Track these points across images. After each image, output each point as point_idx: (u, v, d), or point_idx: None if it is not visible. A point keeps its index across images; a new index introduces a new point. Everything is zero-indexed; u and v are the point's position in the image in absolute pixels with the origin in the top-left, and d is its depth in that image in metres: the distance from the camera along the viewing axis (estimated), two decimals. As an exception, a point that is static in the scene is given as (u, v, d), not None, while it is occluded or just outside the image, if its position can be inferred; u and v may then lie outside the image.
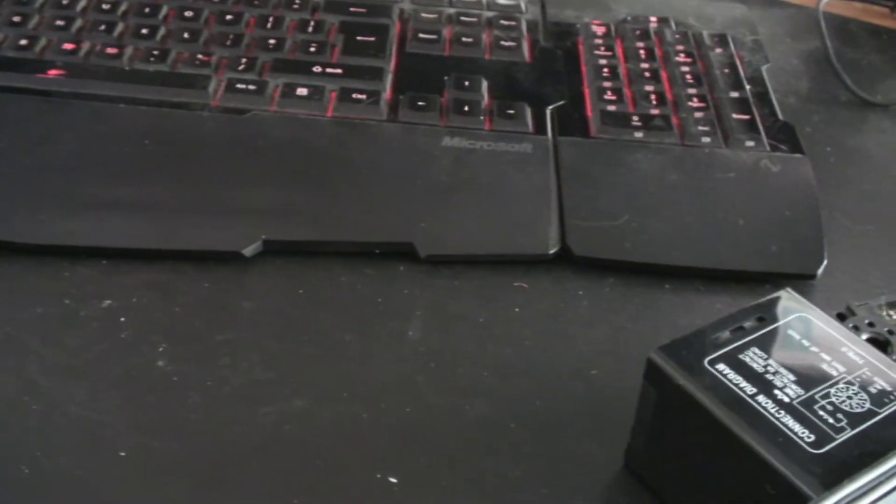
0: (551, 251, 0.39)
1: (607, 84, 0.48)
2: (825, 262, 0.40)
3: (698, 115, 0.46)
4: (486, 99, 0.46)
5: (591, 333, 0.37)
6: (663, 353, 0.29)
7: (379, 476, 0.31)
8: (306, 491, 0.31)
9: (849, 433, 0.27)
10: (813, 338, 0.30)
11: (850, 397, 0.28)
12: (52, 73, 0.45)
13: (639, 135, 0.45)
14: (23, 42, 0.46)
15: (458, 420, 0.34)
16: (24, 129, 0.42)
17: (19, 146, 0.41)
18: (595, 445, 0.33)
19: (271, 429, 0.33)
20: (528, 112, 0.45)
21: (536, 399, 0.35)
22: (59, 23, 0.48)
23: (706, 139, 0.45)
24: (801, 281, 0.40)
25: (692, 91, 0.48)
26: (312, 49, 0.48)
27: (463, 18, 0.51)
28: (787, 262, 0.40)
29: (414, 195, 0.41)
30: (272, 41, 0.48)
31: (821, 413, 0.27)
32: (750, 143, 0.45)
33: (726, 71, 0.49)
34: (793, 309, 0.31)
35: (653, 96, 0.47)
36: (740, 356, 0.29)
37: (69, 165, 0.41)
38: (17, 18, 0.48)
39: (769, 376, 0.28)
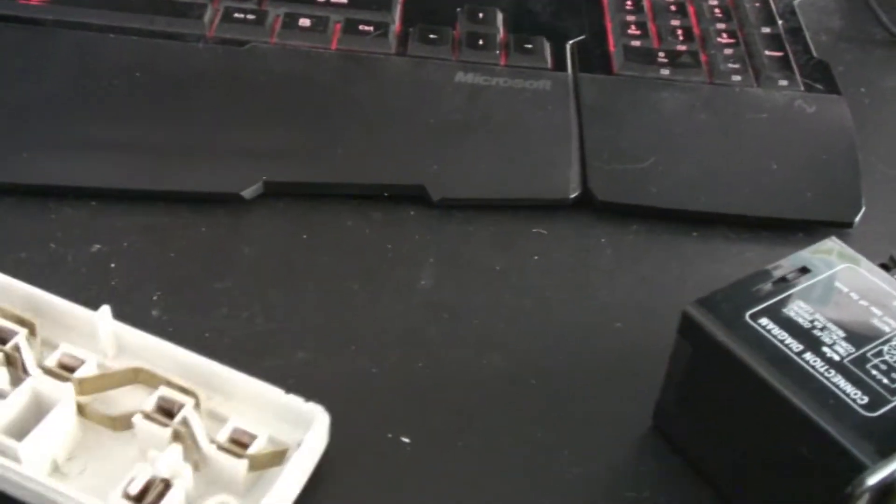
0: (572, 195, 0.37)
1: (630, 18, 0.45)
2: (863, 209, 0.38)
3: (728, 51, 0.43)
4: (501, 32, 0.43)
5: (615, 283, 0.35)
6: (701, 306, 0.27)
7: (390, 436, 0.29)
8: (312, 450, 0.29)
9: (904, 395, 0.25)
10: (861, 290, 0.28)
11: (903, 355, 0.26)
12: (36, -1, 0.42)
13: (665, 72, 0.42)
14: (3, -34, 0.43)
15: (474, 376, 0.31)
16: (4, 61, 0.39)
17: (0, 79, 0.39)
18: (621, 403, 0.31)
19: (273, 384, 0.30)
20: (547, 47, 0.42)
21: (558, 353, 0.32)
22: (44, -54, 0.45)
23: (736, 77, 0.42)
24: (837, 229, 0.37)
25: (721, 26, 0.45)
26: (316, -23, 0.45)
27: (476, -54, 0.48)
28: (823, 209, 0.38)
29: (425, 134, 0.38)
30: (272, -32, 0.45)
31: (874, 373, 0.25)
32: (783, 82, 0.42)
33: (757, 5, 0.46)
34: (839, 259, 0.29)
35: (679, 31, 0.44)
36: (784, 310, 0.27)
37: (55, 100, 0.38)
38: (-3, -59, 0.45)
39: (816, 332, 0.26)
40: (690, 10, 0.46)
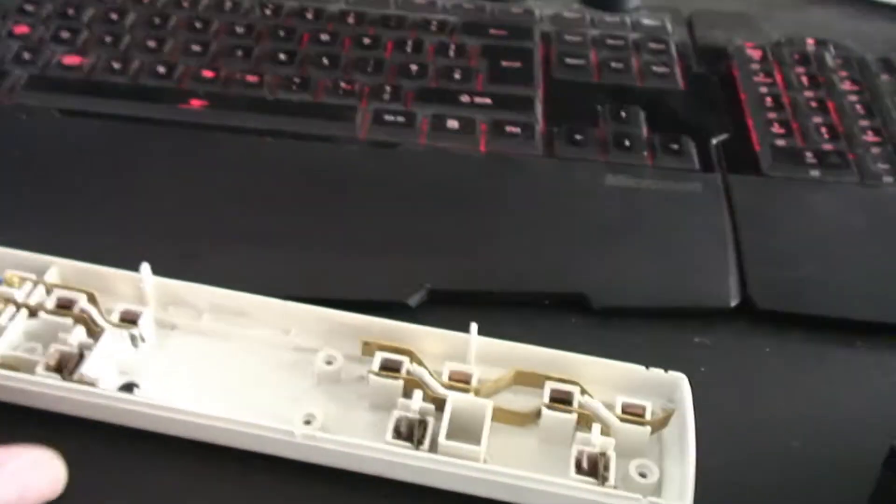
0: (733, 303, 0.37)
1: (772, 115, 0.45)
2: None
3: (875, 150, 0.43)
4: (644, 131, 0.43)
5: (785, 398, 0.34)
6: (911, 441, 0.26)
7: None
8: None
9: None
10: None
11: None
12: (195, 103, 0.43)
13: (814, 173, 0.42)
14: (161, 70, 0.44)
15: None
16: (168, 163, 0.40)
17: (167, 182, 0.40)
18: (810, 532, 0.30)
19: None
20: (693, 146, 0.42)
21: (732, 474, 0.32)
22: (195, 48, 0.46)
23: (888, 178, 0.41)
24: None
25: (864, 123, 0.44)
26: (457, 76, 0.45)
27: (609, 41, 0.49)
28: None
29: (582, 240, 0.38)
30: (414, 67, 0.46)
31: None
32: (937, 183, 0.41)
33: (897, 98, 0.46)
34: None
35: (823, 129, 0.44)
36: None
37: (218, 203, 0.39)
38: (152, 44, 0.46)
39: None
40: (830, 105, 0.46)
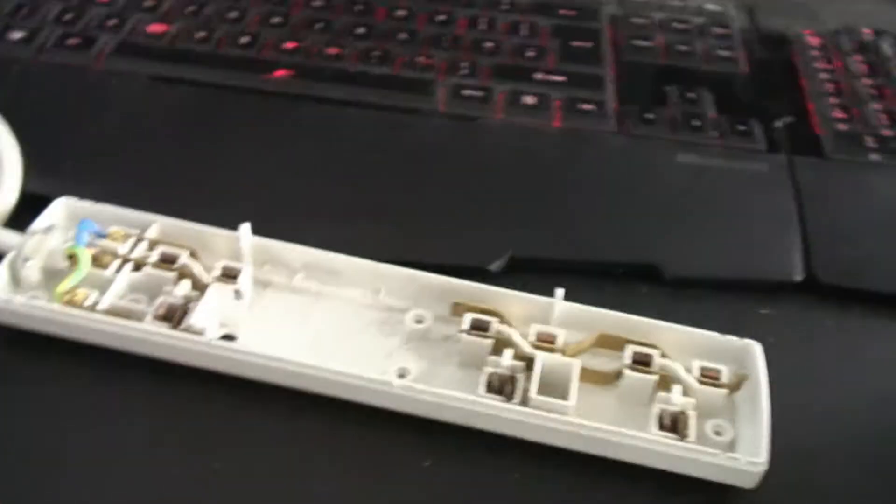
0: (797, 278, 0.38)
1: (833, 101, 0.46)
2: None
3: (931, 136, 0.45)
4: (712, 113, 0.45)
5: (847, 367, 0.36)
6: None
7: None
8: None
9: None
10: None
11: None
12: (280, 73, 0.44)
13: (874, 157, 0.43)
14: (244, 40, 0.46)
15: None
16: (258, 131, 0.42)
17: (256, 148, 0.41)
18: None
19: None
20: (759, 128, 0.44)
21: (797, 437, 0.33)
22: (275, 20, 0.48)
23: (944, 164, 0.43)
24: None
25: (920, 110, 0.46)
26: (530, 54, 0.47)
27: (675, 25, 0.50)
28: None
29: (655, 213, 0.40)
30: (488, 44, 0.47)
31: None
32: None
33: (952, 88, 0.48)
34: None
35: (882, 115, 0.45)
36: None
37: (304, 171, 0.41)
38: (233, 14, 0.48)
39: None
40: (887, 92, 0.47)
